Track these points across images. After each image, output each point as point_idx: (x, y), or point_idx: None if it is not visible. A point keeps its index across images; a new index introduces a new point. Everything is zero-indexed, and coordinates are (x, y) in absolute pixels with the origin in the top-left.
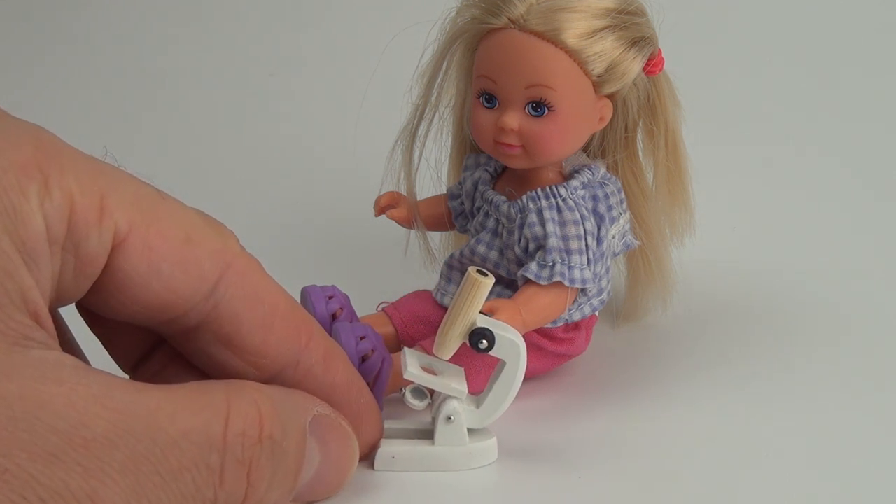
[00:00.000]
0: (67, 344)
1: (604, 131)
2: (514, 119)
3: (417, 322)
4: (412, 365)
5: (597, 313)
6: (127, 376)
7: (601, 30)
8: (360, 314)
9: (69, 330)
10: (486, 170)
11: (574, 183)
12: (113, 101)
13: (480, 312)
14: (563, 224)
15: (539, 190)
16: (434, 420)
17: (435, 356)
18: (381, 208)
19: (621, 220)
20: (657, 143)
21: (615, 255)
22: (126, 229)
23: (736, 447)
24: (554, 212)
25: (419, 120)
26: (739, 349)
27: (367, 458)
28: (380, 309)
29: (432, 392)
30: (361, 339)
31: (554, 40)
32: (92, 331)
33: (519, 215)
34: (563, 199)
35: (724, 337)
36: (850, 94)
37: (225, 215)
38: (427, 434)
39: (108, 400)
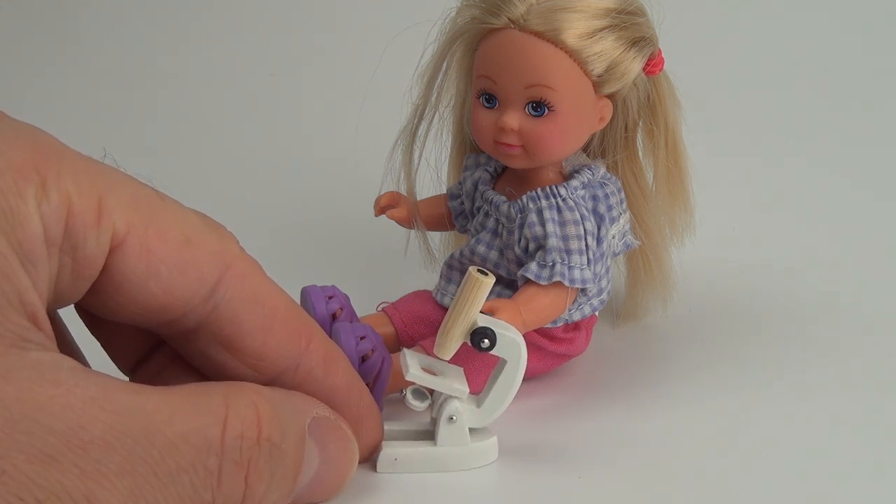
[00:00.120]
0: (67, 345)
1: (604, 131)
2: (514, 119)
3: (417, 322)
4: (413, 366)
5: (597, 313)
6: (126, 378)
7: (601, 30)
8: (360, 314)
9: (69, 331)
10: (486, 170)
11: (574, 183)
12: (112, 102)
13: (480, 312)
14: (563, 224)
15: (539, 190)
16: (436, 421)
17: (434, 357)
18: (381, 208)
19: (621, 220)
20: (657, 143)
21: (615, 255)
22: (124, 231)
23: (736, 447)
24: (554, 212)
25: (419, 120)
26: (739, 349)
27: (368, 460)
28: (380, 309)
29: (431, 392)
30: (361, 339)
31: (554, 40)
32: (91, 332)
33: (519, 215)
34: (563, 199)
35: (724, 337)
36: (851, 94)
37: (225, 215)
38: (427, 435)
39: (105, 402)
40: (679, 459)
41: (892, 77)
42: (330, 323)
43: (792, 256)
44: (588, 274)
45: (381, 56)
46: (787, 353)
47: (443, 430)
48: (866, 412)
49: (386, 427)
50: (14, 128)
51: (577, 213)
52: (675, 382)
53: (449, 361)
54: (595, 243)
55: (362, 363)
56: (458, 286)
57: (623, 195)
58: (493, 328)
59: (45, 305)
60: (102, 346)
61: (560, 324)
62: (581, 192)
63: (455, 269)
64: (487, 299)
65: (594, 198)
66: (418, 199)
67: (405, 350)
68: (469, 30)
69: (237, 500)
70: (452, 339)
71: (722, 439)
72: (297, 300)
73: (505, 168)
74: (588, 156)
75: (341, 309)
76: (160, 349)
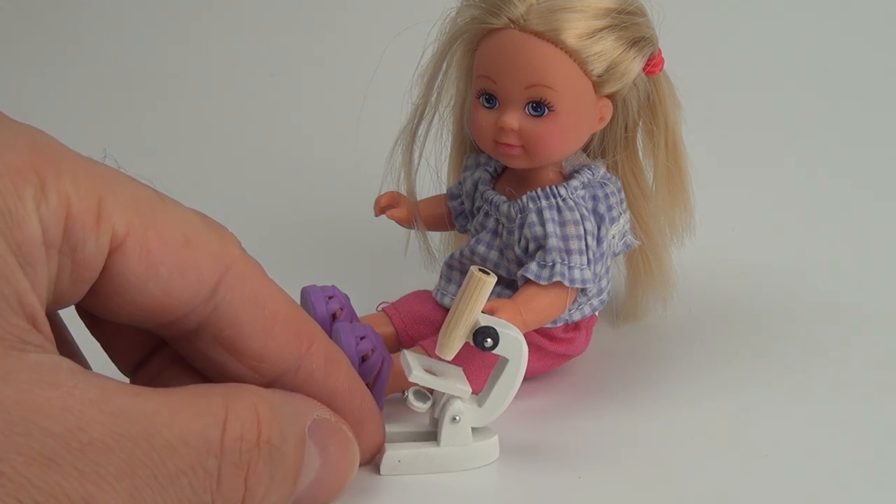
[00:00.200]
0: (67, 346)
1: (604, 131)
2: (514, 119)
3: (417, 322)
4: (416, 368)
5: (597, 313)
6: (127, 379)
7: (601, 30)
8: (360, 314)
9: (69, 332)
10: (486, 170)
11: (574, 183)
12: (113, 102)
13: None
14: (563, 224)
15: (539, 190)
16: (439, 421)
17: (434, 357)
18: (381, 208)
19: (621, 220)
20: (657, 143)
21: (615, 255)
22: (124, 232)
23: (736, 447)
24: (554, 212)
25: (419, 120)
26: (739, 349)
27: (369, 463)
28: (380, 309)
29: (431, 392)
30: (361, 339)
31: (554, 40)
32: (91, 333)
33: (519, 215)
34: (563, 199)
35: (724, 337)
36: (851, 94)
37: (225, 215)
38: (428, 436)
39: (104, 403)
40: (679, 459)
41: (893, 77)
42: (330, 323)
43: (792, 256)
44: (588, 274)
45: (381, 56)
46: (787, 353)
47: (446, 430)
48: (866, 412)
49: (387, 429)
50: (13, 129)
51: (577, 213)
52: (675, 382)
53: (448, 361)
54: (595, 243)
55: (362, 363)
56: (458, 286)
57: (623, 195)
58: (495, 327)
59: (44, 307)
60: (103, 347)
61: (560, 324)
62: (581, 192)
63: (455, 270)
64: (487, 300)
65: (594, 198)
66: (418, 199)
67: (405, 351)
68: (469, 30)
69: (236, 503)
70: (455, 339)
71: (722, 439)
72: (297, 300)
73: (505, 168)
74: (588, 156)
75: (341, 309)
76: (161, 350)
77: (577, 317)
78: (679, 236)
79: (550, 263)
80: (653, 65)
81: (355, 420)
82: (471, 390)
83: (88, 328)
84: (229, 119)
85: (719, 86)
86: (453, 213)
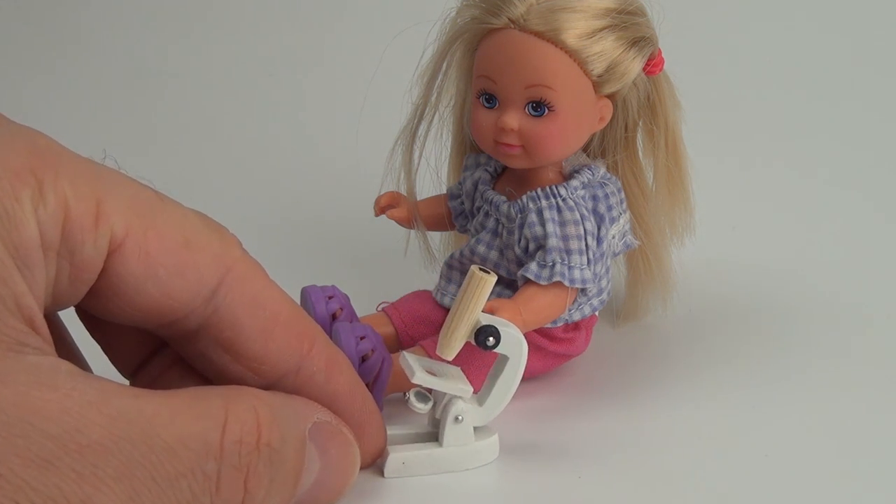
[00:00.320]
0: (67, 348)
1: (604, 131)
2: (514, 119)
3: (417, 322)
4: (418, 369)
5: (597, 313)
6: (127, 381)
7: (601, 30)
8: (360, 314)
9: (69, 334)
10: (486, 170)
11: (574, 183)
12: (113, 103)
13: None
14: (562, 224)
15: (539, 190)
16: (441, 421)
17: (434, 358)
18: (381, 208)
19: (621, 220)
20: (657, 143)
21: (615, 255)
22: (122, 234)
23: (736, 447)
24: (554, 212)
25: (419, 120)
26: (740, 349)
27: (370, 466)
28: (380, 309)
29: (430, 392)
30: (361, 339)
31: (554, 40)
32: (91, 335)
33: (519, 215)
34: (563, 199)
35: (724, 337)
36: (851, 94)
37: (225, 216)
38: (429, 437)
39: (103, 405)
40: (679, 459)
41: (893, 77)
42: (330, 323)
43: (792, 256)
44: (588, 274)
45: (381, 56)
46: (787, 353)
47: (449, 430)
48: (867, 412)
49: (389, 432)
50: (11, 130)
51: (577, 213)
52: (675, 382)
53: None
54: (595, 243)
55: (362, 363)
56: (459, 286)
57: (623, 195)
58: (496, 326)
59: (42, 309)
60: (103, 349)
61: (560, 324)
62: (581, 192)
63: (455, 269)
64: (487, 300)
65: (594, 198)
66: (418, 199)
67: (405, 353)
68: (469, 30)
69: None
70: (457, 339)
71: (722, 439)
72: (297, 300)
73: (505, 168)
74: (588, 156)
75: (341, 309)
76: (161, 352)
77: (577, 317)
78: (679, 236)
79: (550, 263)
80: (653, 65)
81: (356, 422)
82: (472, 390)
83: (88, 330)
84: (229, 119)
85: (719, 86)
86: (453, 213)
